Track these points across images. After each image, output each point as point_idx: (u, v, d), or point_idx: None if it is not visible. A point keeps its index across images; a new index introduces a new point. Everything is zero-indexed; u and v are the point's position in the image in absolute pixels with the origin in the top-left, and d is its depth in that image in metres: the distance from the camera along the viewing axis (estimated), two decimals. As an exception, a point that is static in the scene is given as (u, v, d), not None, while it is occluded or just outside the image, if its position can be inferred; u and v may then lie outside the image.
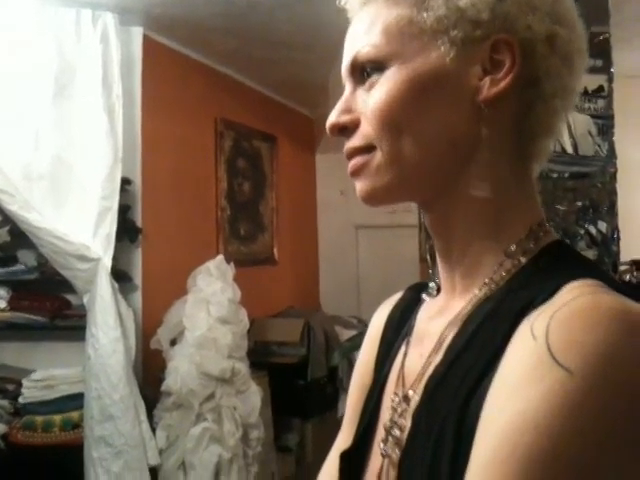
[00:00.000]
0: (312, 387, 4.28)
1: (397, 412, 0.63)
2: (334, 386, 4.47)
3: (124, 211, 3.41)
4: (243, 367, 3.46)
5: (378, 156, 0.60)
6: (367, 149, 0.61)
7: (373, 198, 0.63)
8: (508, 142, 0.60)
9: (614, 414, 0.44)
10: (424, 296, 0.72)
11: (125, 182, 3.40)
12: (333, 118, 0.63)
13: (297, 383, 4.25)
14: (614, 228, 1.92)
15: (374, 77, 0.60)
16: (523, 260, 0.59)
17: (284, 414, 4.13)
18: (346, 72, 0.64)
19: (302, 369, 4.26)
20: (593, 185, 1.94)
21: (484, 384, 0.51)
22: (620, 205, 2.20)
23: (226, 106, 4.53)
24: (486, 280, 0.60)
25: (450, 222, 0.62)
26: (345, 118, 0.63)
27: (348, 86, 0.64)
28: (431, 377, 0.59)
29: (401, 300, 0.78)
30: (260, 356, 3.99)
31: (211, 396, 3.29)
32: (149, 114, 3.70)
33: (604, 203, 1.94)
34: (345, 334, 4.81)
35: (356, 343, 4.33)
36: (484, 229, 0.61)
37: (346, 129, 0.63)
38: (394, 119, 0.58)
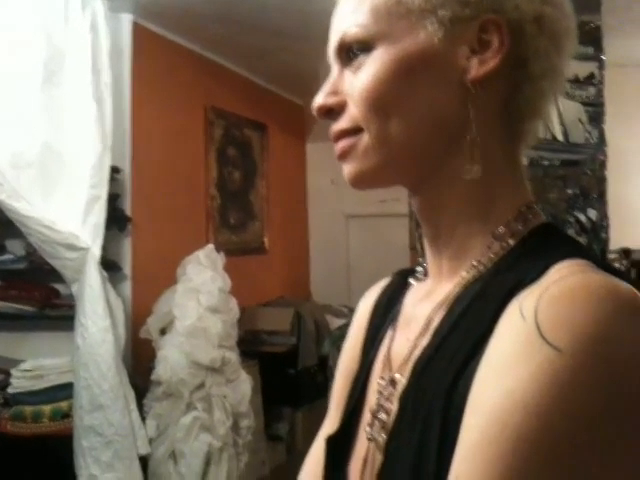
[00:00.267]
0: (302, 376, 4.29)
1: (384, 396, 0.62)
2: (324, 375, 4.48)
3: (113, 200, 3.39)
4: (233, 356, 3.46)
5: (365, 138, 0.60)
6: (354, 131, 0.60)
7: (361, 181, 0.62)
8: (496, 123, 0.60)
9: (603, 391, 0.44)
10: (411, 280, 0.71)
11: (114, 170, 3.37)
12: (320, 100, 0.62)
13: (287, 372, 4.26)
14: (603, 216, 1.92)
15: (361, 58, 0.60)
16: (511, 242, 0.58)
17: (274, 403, 4.14)
18: (333, 53, 0.64)
19: (292, 358, 4.27)
20: (583, 173, 1.94)
21: (472, 365, 0.51)
22: (610, 193, 2.20)
23: (216, 94, 4.51)
24: (474, 262, 0.59)
25: (438, 204, 0.62)
26: (332, 100, 0.62)
27: (335, 68, 0.64)
28: (418, 360, 0.59)
29: (388, 285, 0.78)
30: (250, 345, 3.99)
31: (201, 385, 3.29)
32: (139, 102, 3.68)
33: (594, 191, 1.94)
34: (336, 323, 4.82)
35: (346, 332, 4.33)
36: (472, 211, 0.60)
37: (332, 111, 0.62)
38: (381, 100, 0.58)
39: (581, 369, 0.44)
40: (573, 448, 0.44)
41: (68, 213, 3.11)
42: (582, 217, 1.90)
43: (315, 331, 4.46)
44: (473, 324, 0.54)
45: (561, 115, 1.83)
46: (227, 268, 3.62)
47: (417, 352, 0.60)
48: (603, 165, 2.01)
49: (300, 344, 4.30)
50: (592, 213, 1.95)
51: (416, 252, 2.78)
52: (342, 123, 0.61)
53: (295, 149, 5.84)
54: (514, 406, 0.44)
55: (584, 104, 1.94)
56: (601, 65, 2.01)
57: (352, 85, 0.60)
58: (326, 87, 0.63)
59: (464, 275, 0.60)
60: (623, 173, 3.44)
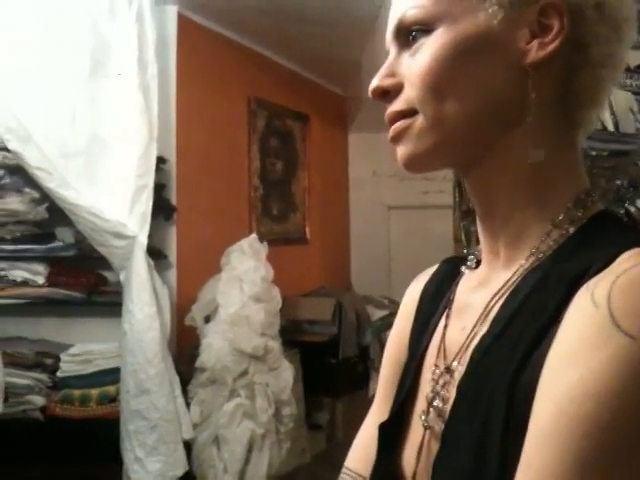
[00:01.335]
0: (343, 366, 4.30)
1: (439, 384, 0.62)
2: (365, 365, 4.49)
3: (159, 189, 3.44)
4: (275, 344, 3.49)
5: (420, 120, 0.59)
6: (409, 113, 0.60)
7: (414, 163, 0.62)
8: (553, 108, 0.59)
9: None
10: (463, 269, 0.71)
11: (160, 161, 3.42)
12: (376, 82, 0.62)
13: (328, 361, 4.27)
14: (654, 207, 1.88)
15: (420, 40, 0.60)
16: (571, 230, 0.58)
17: (315, 392, 4.16)
18: (391, 36, 0.64)
19: (333, 348, 4.28)
20: (633, 163, 1.90)
21: (537, 354, 0.51)
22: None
23: (259, 85, 4.53)
24: (532, 250, 0.59)
25: (493, 188, 0.61)
26: (388, 82, 0.62)
27: (392, 50, 0.64)
28: (477, 348, 0.58)
29: (436, 273, 0.78)
30: (292, 334, 4.02)
31: (244, 372, 3.33)
32: (183, 93, 3.72)
33: (647, 181, 1.91)
34: (376, 314, 4.82)
35: (388, 322, 4.34)
36: (529, 196, 0.60)
37: (389, 93, 0.62)
38: (439, 82, 0.58)
39: None
40: None
41: (115, 202, 3.17)
42: (631, 208, 1.86)
43: (356, 321, 4.46)
44: (536, 312, 0.53)
45: (612, 104, 1.79)
46: (269, 258, 3.65)
47: (475, 341, 0.59)
48: (655, 155, 1.97)
49: (341, 334, 4.31)
50: (642, 205, 1.91)
51: (460, 244, 2.75)
52: (397, 105, 0.61)
53: (337, 139, 5.84)
54: (586, 393, 0.44)
55: (635, 93, 1.90)
56: (653, 53, 1.97)
57: (410, 67, 0.60)
58: (383, 69, 0.63)
59: (522, 263, 0.59)
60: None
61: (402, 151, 0.62)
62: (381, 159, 5.75)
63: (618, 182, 1.88)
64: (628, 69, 1.94)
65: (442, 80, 0.58)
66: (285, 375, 3.47)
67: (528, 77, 0.57)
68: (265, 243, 3.67)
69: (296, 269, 4.77)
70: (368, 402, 0.80)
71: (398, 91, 0.61)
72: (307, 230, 5.18)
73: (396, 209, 5.96)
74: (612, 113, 1.78)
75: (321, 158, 5.37)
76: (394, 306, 4.84)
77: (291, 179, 5.02)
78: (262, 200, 4.58)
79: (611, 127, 1.83)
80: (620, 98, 1.84)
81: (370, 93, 0.63)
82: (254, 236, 3.69)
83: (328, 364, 4.28)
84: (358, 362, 4.45)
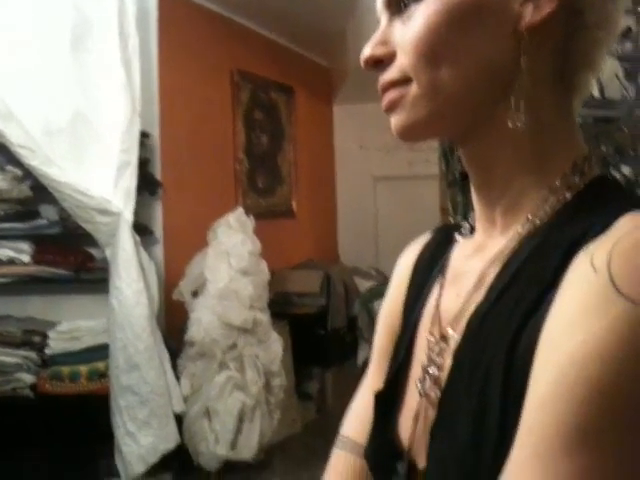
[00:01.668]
0: (332, 337, 4.34)
1: (434, 351, 0.62)
2: (353, 336, 4.53)
3: (143, 165, 3.41)
4: (264, 317, 3.51)
5: (414, 88, 0.58)
6: (403, 82, 0.59)
7: (409, 133, 0.60)
8: (549, 72, 0.58)
9: None
10: (457, 236, 0.70)
11: (143, 135, 3.39)
12: (368, 50, 0.61)
13: (317, 333, 4.31)
14: (638, 173, 1.89)
15: (412, 7, 0.58)
16: (568, 195, 0.57)
17: (305, 363, 4.19)
18: (382, 4, 0.62)
19: (322, 319, 4.31)
20: (618, 129, 1.90)
21: (534, 319, 0.50)
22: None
23: (242, 57, 4.49)
24: (529, 216, 0.58)
25: (489, 156, 0.60)
26: (381, 50, 0.60)
27: (384, 18, 0.62)
28: (473, 315, 0.58)
29: (430, 241, 0.77)
30: (281, 307, 4.04)
31: (233, 345, 3.35)
32: (166, 66, 3.68)
33: (629, 148, 1.91)
34: (364, 285, 4.85)
35: (376, 292, 4.36)
36: (526, 163, 0.59)
37: (381, 62, 0.60)
38: (433, 49, 0.56)
39: None
40: None
41: (100, 178, 3.15)
42: (617, 174, 1.87)
43: (344, 293, 4.49)
44: (533, 278, 0.53)
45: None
46: (256, 232, 3.65)
47: (471, 307, 0.59)
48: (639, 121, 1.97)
49: (329, 305, 4.34)
50: (626, 170, 1.92)
51: (447, 213, 2.76)
52: (390, 74, 0.60)
53: (322, 112, 5.81)
54: (588, 358, 0.44)
55: (620, 59, 1.90)
56: (638, 19, 1.96)
57: (403, 34, 0.59)
58: (375, 37, 0.61)
59: (519, 229, 0.59)
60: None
61: (396, 121, 0.60)
62: (366, 130, 5.72)
63: (604, 149, 1.89)
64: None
65: (436, 47, 0.56)
66: (274, 347, 3.49)
67: (523, 42, 0.55)
68: (252, 217, 3.67)
69: (283, 242, 4.77)
70: (357, 371, 0.80)
71: (391, 59, 0.60)
72: (294, 203, 5.17)
73: (382, 180, 5.95)
74: (598, 79, 1.77)
75: (306, 130, 5.34)
76: (382, 277, 4.86)
77: (277, 152, 4.99)
78: (248, 174, 4.56)
79: (596, 93, 1.83)
80: (606, 64, 1.83)
81: (362, 62, 0.61)
82: (240, 210, 3.68)
83: (317, 335, 4.31)
84: (347, 332, 4.49)
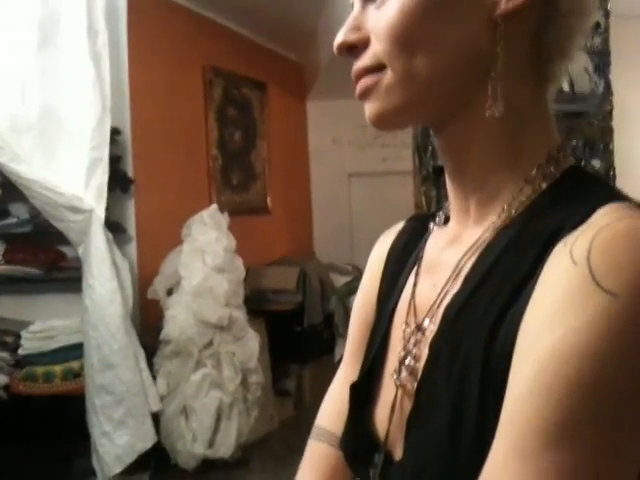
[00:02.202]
0: (309, 333, 4.33)
1: (410, 342, 0.62)
2: (330, 332, 4.53)
3: (115, 161, 3.38)
4: (240, 314, 3.49)
5: (389, 75, 0.57)
6: (377, 68, 0.58)
7: (383, 121, 0.60)
8: (524, 61, 0.58)
9: None
10: (432, 226, 0.70)
11: (114, 132, 3.35)
12: (341, 36, 0.59)
13: (294, 329, 4.30)
14: (609, 166, 1.91)
15: None
16: (544, 185, 0.57)
17: (282, 359, 4.19)
18: None
19: (298, 316, 4.30)
20: (589, 123, 1.92)
21: (512, 311, 0.50)
22: (616, 145, 2.19)
23: (214, 53, 4.45)
24: (505, 206, 0.58)
25: (464, 143, 0.60)
26: (354, 36, 0.59)
27: (357, 4, 0.61)
28: (450, 305, 0.58)
29: (403, 231, 0.76)
30: (257, 304, 4.03)
31: (210, 343, 3.34)
32: (136, 62, 3.63)
33: (599, 141, 1.93)
34: (340, 281, 4.85)
35: (352, 287, 4.36)
36: (501, 152, 0.59)
37: (355, 48, 0.59)
38: (408, 35, 0.56)
39: (637, 314, 0.43)
40: (630, 394, 0.43)
41: (70, 175, 3.10)
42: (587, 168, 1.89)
43: (320, 289, 4.48)
44: (511, 270, 0.53)
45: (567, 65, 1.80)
46: (231, 228, 3.63)
47: (447, 298, 0.59)
48: (609, 115, 1.99)
49: (306, 302, 4.33)
50: (597, 164, 1.94)
51: (421, 209, 2.77)
52: (364, 60, 0.59)
53: (295, 108, 5.79)
54: (568, 352, 0.44)
55: (590, 53, 1.92)
56: (607, 14, 1.98)
57: (377, 20, 0.58)
58: (348, 23, 0.60)
59: (494, 220, 0.58)
60: (626, 126, 3.41)
61: (370, 108, 0.60)
62: (340, 126, 5.73)
63: (574, 143, 1.90)
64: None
65: (410, 33, 0.56)
66: (251, 344, 3.48)
67: (498, 29, 0.55)
68: (226, 213, 3.65)
69: (259, 239, 4.75)
70: (335, 367, 0.79)
71: (365, 46, 0.59)
72: (268, 200, 5.15)
73: (356, 176, 5.96)
74: (568, 73, 1.79)
75: (280, 127, 5.32)
76: (357, 272, 4.87)
77: (250, 149, 4.97)
78: (221, 170, 4.53)
79: (567, 87, 1.85)
80: (575, 59, 1.85)
81: (335, 49, 0.60)
82: (214, 207, 3.65)
83: (294, 332, 4.30)
84: (324, 329, 4.49)
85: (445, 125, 0.61)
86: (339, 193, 5.96)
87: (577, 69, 1.83)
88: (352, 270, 5.04)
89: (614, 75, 2.23)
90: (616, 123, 2.12)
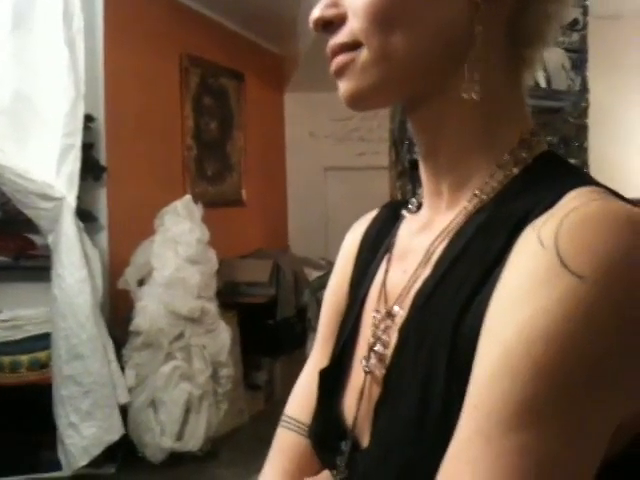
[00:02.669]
0: (281, 326, 4.32)
1: (380, 328, 0.61)
2: (303, 326, 4.52)
3: (87, 149, 3.33)
4: (212, 307, 3.47)
5: (365, 53, 0.56)
6: (353, 46, 0.57)
7: (357, 99, 0.59)
8: (501, 45, 0.58)
9: (627, 319, 0.44)
10: (404, 212, 0.69)
11: (88, 119, 3.30)
12: (317, 12, 0.58)
13: (266, 322, 4.28)
14: (583, 164, 1.92)
15: None
16: (515, 170, 0.56)
17: (253, 353, 4.17)
18: None
19: (271, 309, 4.28)
20: (564, 120, 1.93)
21: (481, 296, 0.50)
22: (590, 144, 2.20)
23: (192, 41, 4.40)
24: (476, 192, 0.57)
25: (438, 125, 0.59)
26: (331, 12, 0.58)
27: None
28: (419, 291, 0.57)
29: (376, 218, 0.76)
30: (229, 296, 4.00)
31: (180, 335, 3.30)
32: (112, 48, 3.58)
33: (575, 139, 1.94)
34: (314, 275, 4.84)
35: (325, 281, 4.34)
36: (475, 135, 0.58)
37: (331, 24, 0.58)
38: (386, 13, 0.55)
39: (604, 297, 0.43)
40: (596, 376, 0.43)
41: (42, 162, 3.05)
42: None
43: (294, 282, 4.47)
44: (480, 254, 0.53)
45: (544, 61, 1.81)
46: (205, 220, 3.60)
47: (417, 284, 0.58)
48: (585, 112, 2.00)
49: (279, 295, 4.32)
50: (572, 161, 1.95)
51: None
52: (340, 37, 0.58)
53: (273, 100, 5.76)
54: (535, 335, 0.43)
55: (567, 50, 1.92)
56: (585, 11, 1.99)
57: None
58: None
59: (465, 205, 0.58)
60: (602, 125, 3.45)
61: (345, 87, 0.58)
62: (317, 120, 5.71)
63: (549, 139, 1.91)
64: (561, 26, 1.95)
65: (389, 12, 0.55)
66: (222, 337, 3.46)
67: (477, 10, 0.54)
68: (200, 204, 3.61)
69: (233, 231, 4.72)
70: (306, 361, 0.78)
71: (341, 22, 0.58)
72: (243, 192, 5.12)
73: (333, 170, 5.95)
74: (544, 70, 1.79)
75: (257, 118, 5.29)
76: (331, 267, 4.85)
77: (226, 140, 4.93)
78: (196, 161, 4.48)
79: (543, 84, 1.85)
80: (552, 55, 1.86)
81: (311, 24, 0.59)
82: (188, 197, 3.62)
83: (266, 325, 4.28)
84: (296, 322, 4.47)
85: (419, 106, 0.60)
86: (315, 187, 5.95)
87: (554, 65, 1.83)
88: (326, 265, 5.03)
89: (591, 75, 2.25)
90: (591, 122, 2.14)
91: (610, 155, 3.71)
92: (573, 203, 0.48)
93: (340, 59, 0.58)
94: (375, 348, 0.61)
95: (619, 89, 3.58)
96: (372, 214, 0.77)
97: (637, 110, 3.74)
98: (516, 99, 0.60)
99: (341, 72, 0.58)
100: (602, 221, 0.46)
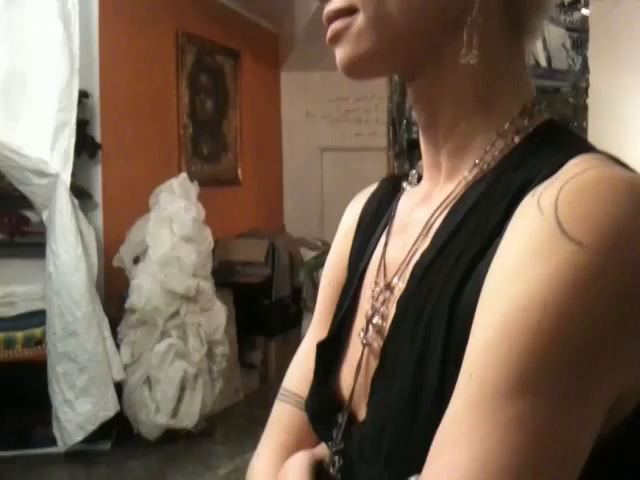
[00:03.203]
0: (276, 306, 4.32)
1: (378, 301, 0.61)
2: (298, 306, 4.52)
3: (82, 126, 3.30)
4: (208, 285, 3.46)
5: (361, 19, 0.55)
6: (349, 12, 0.56)
7: (354, 67, 0.58)
8: (501, 10, 0.56)
9: (627, 287, 0.43)
10: (404, 185, 0.68)
11: (83, 95, 3.27)
12: None
13: (262, 302, 4.28)
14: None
15: None
16: (517, 139, 0.55)
17: (249, 332, 4.17)
18: None
19: (267, 289, 4.28)
20: (564, 100, 1.91)
21: (480, 266, 0.49)
22: (590, 124, 2.19)
23: (188, 18, 4.35)
24: (476, 161, 0.56)
25: (437, 94, 0.58)
26: None
27: None
28: (418, 263, 0.56)
29: (376, 192, 0.75)
30: (225, 276, 3.99)
31: (176, 313, 3.30)
32: (107, 24, 3.54)
33: (574, 118, 1.93)
34: (309, 256, 4.83)
35: (322, 261, 4.35)
36: (475, 103, 0.57)
37: None
38: None
39: (604, 264, 0.42)
40: (594, 345, 0.42)
41: (36, 138, 3.02)
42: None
43: (289, 263, 4.47)
44: (480, 225, 0.52)
45: (545, 40, 1.79)
46: (200, 199, 3.58)
47: (417, 256, 0.57)
48: (585, 92, 1.99)
49: (274, 275, 4.31)
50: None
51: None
52: (336, 2, 0.56)
53: (269, 78, 5.71)
54: (533, 303, 0.43)
55: (568, 29, 1.90)
56: (586, -10, 1.98)
57: None
58: None
59: (465, 175, 0.57)
60: (601, 107, 3.43)
61: (341, 53, 0.57)
62: (314, 99, 5.68)
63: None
64: (562, 4, 1.94)
65: None
66: (218, 315, 3.46)
67: None
68: (196, 182, 3.59)
69: (228, 211, 4.71)
70: (301, 341, 0.78)
71: None
72: (239, 171, 5.09)
73: (329, 151, 5.92)
74: (545, 49, 1.78)
75: (253, 97, 5.25)
76: (327, 248, 4.85)
77: (222, 119, 4.89)
78: (192, 139, 4.46)
79: (544, 63, 1.84)
80: (554, 34, 1.84)
81: None
82: (184, 175, 3.60)
83: (261, 305, 4.28)
84: (291, 302, 4.48)
85: (418, 74, 0.59)
86: (311, 167, 5.92)
87: (555, 45, 1.82)
88: (321, 246, 5.02)
89: (591, 55, 2.23)
90: (591, 102, 2.12)
91: (609, 135, 3.69)
92: (574, 170, 0.47)
93: (336, 25, 0.57)
94: (373, 321, 0.60)
95: (619, 70, 3.56)
96: (371, 188, 0.76)
97: (637, 91, 3.72)
98: (517, 67, 0.58)
99: (337, 38, 0.57)
100: (603, 188, 0.45)
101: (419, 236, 0.59)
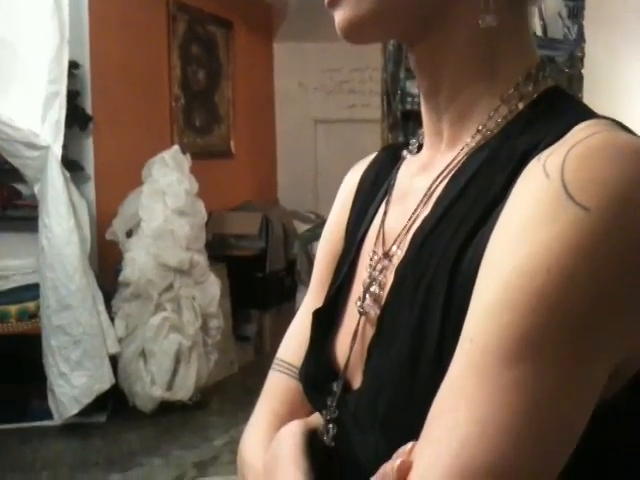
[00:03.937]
0: (270, 279, 4.32)
1: (376, 269, 0.60)
2: (292, 278, 4.53)
3: (73, 97, 3.26)
4: (201, 258, 3.46)
5: None
6: None
7: (354, 31, 0.56)
8: None
9: (632, 253, 0.42)
10: (405, 153, 0.67)
11: (73, 66, 3.23)
12: None
13: (256, 275, 4.28)
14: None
15: None
16: (520, 105, 0.54)
17: (243, 305, 4.18)
18: None
19: (260, 262, 4.28)
20: (560, 70, 1.90)
21: (482, 233, 0.48)
22: (585, 95, 2.18)
23: (179, -13, 4.28)
24: (479, 127, 0.55)
25: (439, 60, 0.57)
26: None
27: None
28: (418, 231, 0.55)
29: (375, 160, 0.74)
30: (218, 249, 3.99)
31: (170, 286, 3.30)
32: (96, -8, 3.48)
33: (569, 89, 1.91)
34: (303, 229, 4.82)
35: (316, 233, 4.35)
36: (478, 68, 0.56)
37: None
38: None
39: (610, 229, 0.42)
40: (597, 310, 0.42)
41: (26, 110, 2.99)
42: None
43: (283, 236, 4.46)
44: (482, 191, 0.51)
45: (541, 9, 1.77)
46: (193, 171, 3.55)
47: (417, 224, 0.56)
48: (581, 62, 1.97)
49: (268, 248, 4.31)
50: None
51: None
52: None
53: (261, 49, 5.64)
54: (536, 268, 0.42)
55: (564, -1, 1.89)
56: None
57: None
58: None
59: (468, 141, 0.56)
60: (596, 80, 3.41)
61: (340, 16, 0.56)
62: (307, 70, 5.61)
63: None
64: (558, -28, 1.91)
65: None
66: (212, 288, 3.46)
67: None
68: (188, 155, 3.57)
69: (221, 183, 4.68)
70: (295, 313, 0.77)
71: None
72: (232, 143, 5.06)
73: (323, 123, 5.87)
74: (541, 18, 1.76)
75: (246, 68, 5.19)
76: (321, 220, 4.85)
77: (214, 89, 4.84)
78: (184, 111, 4.41)
79: (539, 32, 1.82)
80: (549, 3, 1.82)
81: None
82: (176, 147, 3.57)
83: (255, 278, 4.28)
84: (285, 275, 4.48)
85: (419, 39, 0.57)
86: (305, 139, 5.88)
87: (551, 14, 1.80)
88: (315, 219, 5.01)
89: (587, 25, 2.20)
90: (586, 72, 2.10)
91: (604, 106, 3.68)
92: (580, 135, 0.46)
93: None
94: (371, 289, 0.59)
95: (615, 39, 3.53)
96: (370, 157, 0.75)
97: (632, 62, 3.70)
98: (521, 31, 0.57)
99: (336, 1, 0.56)
100: (609, 153, 0.44)
101: (419, 204, 0.58)
